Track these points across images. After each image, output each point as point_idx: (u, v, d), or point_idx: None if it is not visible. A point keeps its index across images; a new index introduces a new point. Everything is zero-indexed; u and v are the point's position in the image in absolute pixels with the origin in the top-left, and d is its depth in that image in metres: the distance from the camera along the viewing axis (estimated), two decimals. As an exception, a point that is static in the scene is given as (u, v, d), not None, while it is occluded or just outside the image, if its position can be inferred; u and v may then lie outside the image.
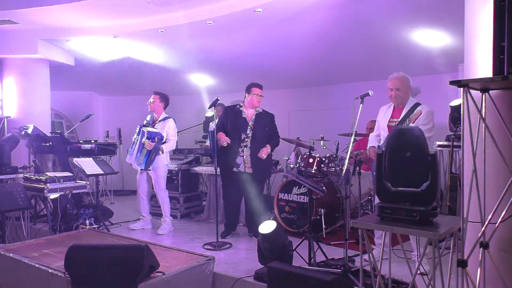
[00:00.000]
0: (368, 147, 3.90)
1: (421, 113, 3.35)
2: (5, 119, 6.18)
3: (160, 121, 5.23)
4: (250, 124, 4.81)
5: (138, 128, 5.12)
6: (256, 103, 4.84)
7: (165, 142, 5.09)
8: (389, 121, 3.75)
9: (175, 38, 5.89)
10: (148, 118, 5.32)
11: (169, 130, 5.18)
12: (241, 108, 4.90)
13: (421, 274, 3.50)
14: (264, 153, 4.74)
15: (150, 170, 5.12)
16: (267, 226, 3.53)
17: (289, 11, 4.75)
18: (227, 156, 4.79)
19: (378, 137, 3.88)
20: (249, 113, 4.85)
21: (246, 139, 4.78)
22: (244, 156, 4.77)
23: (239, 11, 4.76)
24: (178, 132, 6.78)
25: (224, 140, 4.73)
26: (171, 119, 5.26)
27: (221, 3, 4.82)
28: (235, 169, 4.80)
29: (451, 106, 4.52)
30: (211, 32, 5.52)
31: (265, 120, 4.89)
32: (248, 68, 6.62)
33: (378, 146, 3.76)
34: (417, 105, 3.55)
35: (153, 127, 5.12)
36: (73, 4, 4.85)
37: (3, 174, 5.58)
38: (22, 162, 6.02)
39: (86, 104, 8.45)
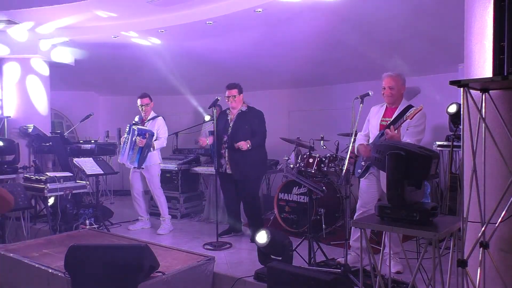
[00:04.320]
0: (356, 145, 3.85)
1: (421, 109, 3.33)
2: (5, 119, 6.18)
3: (149, 120, 5.24)
4: (231, 124, 4.81)
5: (128, 128, 5.14)
6: (230, 104, 4.81)
7: (156, 139, 5.11)
8: (381, 120, 3.72)
9: (175, 38, 5.89)
10: (136, 118, 5.35)
11: (159, 127, 5.19)
12: (227, 111, 4.92)
13: (397, 272, 3.52)
14: (241, 144, 4.59)
15: (143, 168, 5.13)
16: (262, 237, 3.49)
17: (289, 11, 4.74)
18: (217, 158, 4.85)
19: (367, 137, 3.86)
20: (232, 114, 4.86)
21: (227, 140, 4.79)
22: (226, 157, 4.79)
23: (239, 11, 4.76)
24: (178, 132, 6.82)
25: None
26: (160, 117, 5.29)
27: (221, 3, 4.82)
28: (221, 170, 4.86)
29: (448, 113, 4.51)
30: (211, 32, 5.52)
31: (247, 118, 4.78)
32: (248, 68, 6.62)
33: (368, 145, 3.76)
34: (410, 107, 3.54)
35: (142, 126, 5.14)
36: (73, 4, 4.85)
37: (3, 174, 5.58)
38: (22, 162, 6.02)
39: (86, 104, 8.45)
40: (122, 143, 5.22)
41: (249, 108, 4.85)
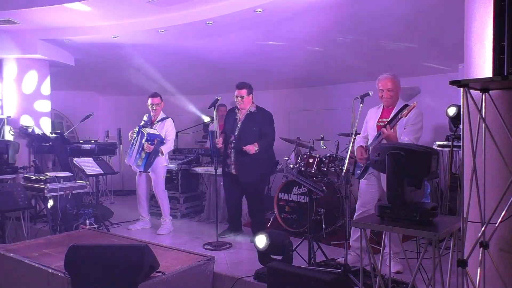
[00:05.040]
0: (356, 148, 3.84)
1: (415, 106, 3.34)
2: (5, 119, 6.18)
3: (158, 121, 5.23)
4: (239, 125, 4.75)
5: (137, 129, 5.11)
6: (238, 105, 4.74)
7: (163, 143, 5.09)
8: (378, 121, 3.73)
9: (175, 38, 5.89)
10: (145, 118, 5.32)
11: (167, 130, 5.16)
12: (236, 110, 4.85)
13: (397, 272, 3.52)
14: (248, 148, 4.51)
15: (149, 172, 5.12)
16: (261, 241, 3.50)
17: (289, 11, 4.74)
18: (223, 157, 4.81)
19: (366, 139, 3.86)
20: (241, 114, 4.78)
21: (233, 141, 4.73)
22: (232, 158, 4.74)
23: (239, 11, 4.76)
24: (178, 132, 6.82)
25: (218, 141, 4.73)
26: (169, 119, 5.26)
27: (221, 3, 4.82)
28: (227, 170, 4.82)
29: (448, 115, 4.51)
30: (211, 32, 5.52)
31: (255, 119, 4.70)
32: (248, 68, 6.62)
33: (366, 146, 3.77)
34: (405, 106, 3.55)
35: (151, 127, 5.11)
36: (73, 4, 4.85)
37: (3, 174, 5.58)
38: (22, 162, 6.02)
39: (86, 104, 8.45)
40: (130, 141, 5.17)
41: (258, 109, 4.77)
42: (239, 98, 4.68)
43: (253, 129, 4.67)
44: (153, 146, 4.88)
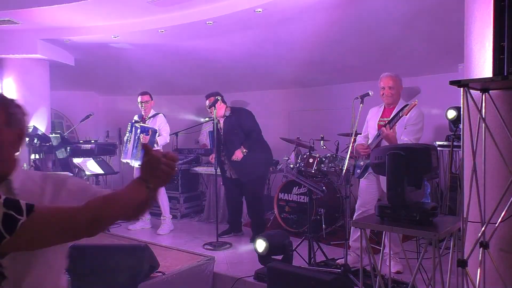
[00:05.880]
0: (355, 145, 3.82)
1: (415, 104, 3.34)
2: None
3: (150, 117, 5.28)
4: (221, 133, 4.83)
5: (129, 126, 5.16)
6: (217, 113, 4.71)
7: (159, 135, 5.14)
8: (379, 120, 3.73)
9: (175, 38, 5.89)
10: (136, 117, 5.37)
11: (160, 124, 5.22)
12: (217, 119, 4.84)
13: (397, 272, 3.52)
14: (236, 155, 4.66)
15: None
16: (261, 245, 3.51)
17: (289, 11, 4.74)
18: (220, 165, 4.88)
19: (366, 138, 3.87)
20: (221, 122, 4.86)
21: (223, 149, 4.84)
22: (227, 164, 4.84)
23: (239, 11, 4.76)
24: (178, 132, 6.83)
25: (211, 158, 4.97)
26: (161, 114, 5.33)
27: (221, 3, 4.82)
28: (225, 175, 4.92)
29: (447, 118, 4.50)
30: (211, 32, 5.52)
31: (232, 121, 4.76)
32: (248, 68, 6.62)
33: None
34: (407, 105, 3.55)
35: (143, 123, 5.17)
36: (73, 4, 4.84)
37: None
38: (22, 162, 6.01)
39: (86, 104, 8.44)
40: (124, 142, 5.22)
41: (232, 111, 4.84)
42: (211, 107, 4.71)
43: (234, 131, 4.74)
44: (149, 136, 4.95)
